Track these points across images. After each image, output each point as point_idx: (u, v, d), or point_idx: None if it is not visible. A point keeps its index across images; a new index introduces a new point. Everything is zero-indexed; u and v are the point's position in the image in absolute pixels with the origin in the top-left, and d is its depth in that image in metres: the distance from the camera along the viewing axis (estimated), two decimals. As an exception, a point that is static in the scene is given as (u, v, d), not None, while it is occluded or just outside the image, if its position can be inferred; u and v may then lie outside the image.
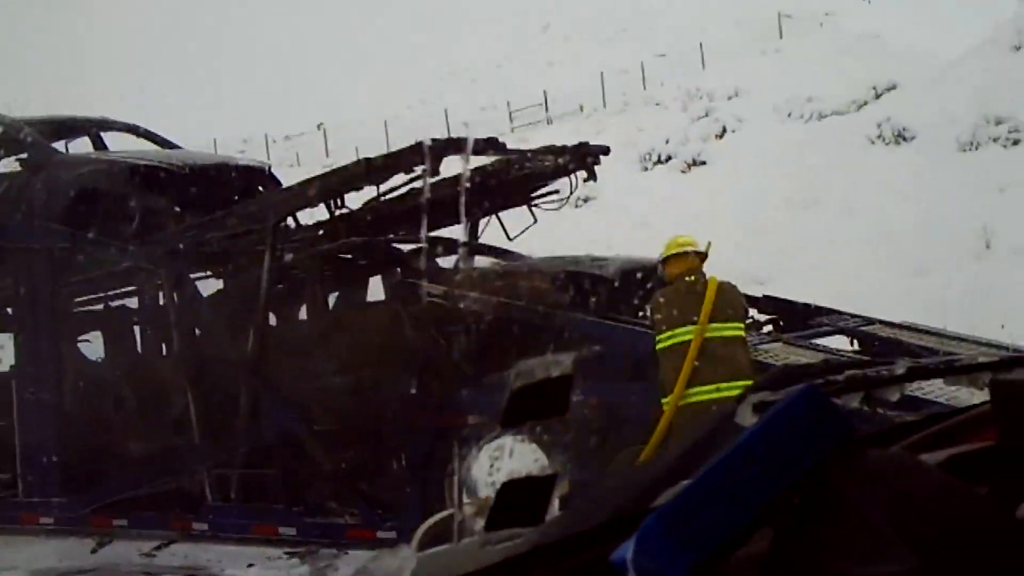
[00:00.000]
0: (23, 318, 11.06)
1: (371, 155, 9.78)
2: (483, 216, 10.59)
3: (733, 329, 7.27)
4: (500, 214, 10.72)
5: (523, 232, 10.57)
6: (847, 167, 20.68)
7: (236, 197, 10.94)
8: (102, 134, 12.77)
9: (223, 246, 10.01)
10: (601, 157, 10.16)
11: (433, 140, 9.12)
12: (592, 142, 10.49)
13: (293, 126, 50.46)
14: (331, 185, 9.41)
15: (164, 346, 11.07)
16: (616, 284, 8.78)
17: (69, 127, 12.49)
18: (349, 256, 9.93)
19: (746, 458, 1.02)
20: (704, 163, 24.25)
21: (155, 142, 12.53)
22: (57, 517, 10.62)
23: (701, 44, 40.94)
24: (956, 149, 18.76)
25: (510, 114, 43.79)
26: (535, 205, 10.59)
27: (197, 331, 10.33)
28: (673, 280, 7.51)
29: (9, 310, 12.21)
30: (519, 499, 1.36)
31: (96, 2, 63.61)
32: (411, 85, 52.18)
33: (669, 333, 7.29)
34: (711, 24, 49.52)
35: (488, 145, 9.55)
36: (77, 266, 10.88)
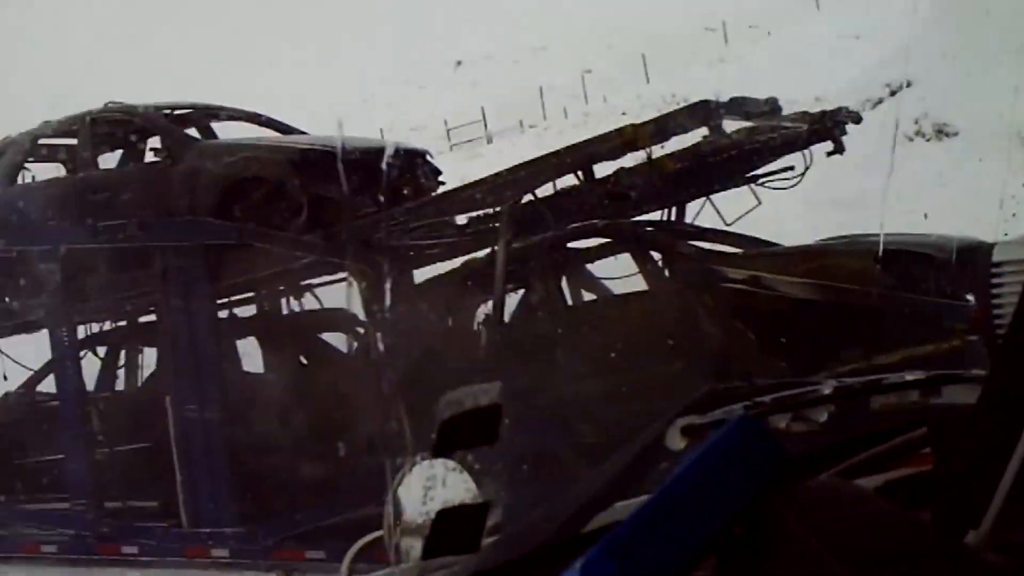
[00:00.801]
0: (178, 327, 9.69)
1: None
2: (695, 198, 9.64)
3: None
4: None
5: (744, 215, 9.64)
6: (887, 165, 20.19)
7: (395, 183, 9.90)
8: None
9: (440, 233, 8.94)
10: None
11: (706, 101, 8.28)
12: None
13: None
14: (589, 155, 8.40)
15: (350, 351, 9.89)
16: (949, 263, 7.82)
17: (178, 116, 11.15)
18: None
19: (687, 489, 1.02)
20: (719, 167, 23.63)
21: (279, 130, 11.29)
22: (233, 549, 9.32)
23: (644, 56, 40.59)
24: (1020, 144, 18.36)
25: (448, 132, 42.79)
26: (761, 184, 9.65)
27: (405, 331, 9.11)
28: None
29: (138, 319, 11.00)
30: (454, 526, 1.34)
31: None
32: (332, 108, 50.64)
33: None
34: (633, 38, 49.23)
35: (768, 106, 8.68)
36: (242, 265, 9.67)
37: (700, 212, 9.77)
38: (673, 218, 9.82)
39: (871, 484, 1.28)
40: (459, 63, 55.95)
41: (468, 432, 1.35)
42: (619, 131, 8.47)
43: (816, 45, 32.32)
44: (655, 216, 9.87)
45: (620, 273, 9.50)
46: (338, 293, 11.11)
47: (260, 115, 11.43)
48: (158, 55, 51.50)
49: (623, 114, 33.76)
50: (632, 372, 7.89)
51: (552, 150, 8.82)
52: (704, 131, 9.19)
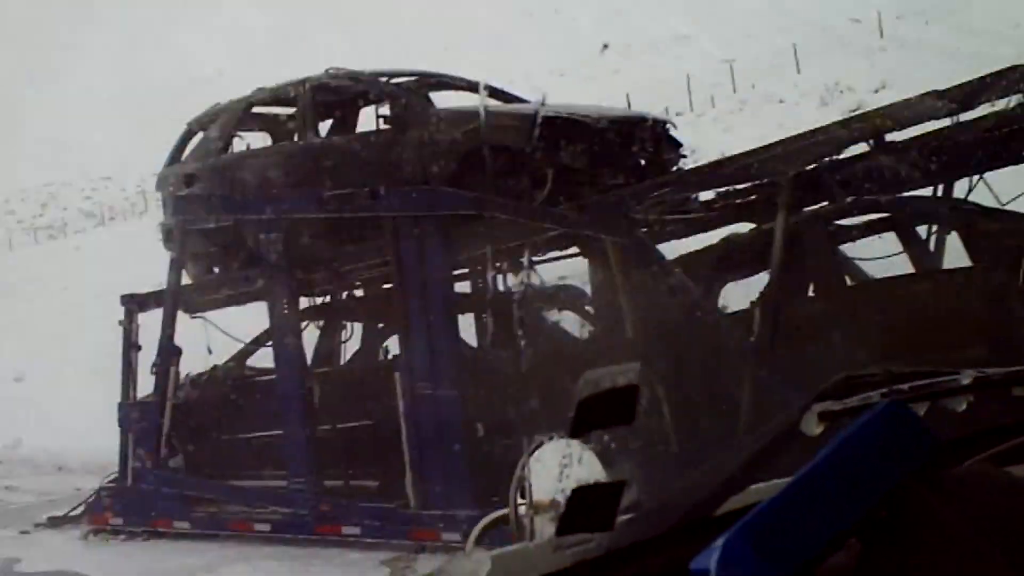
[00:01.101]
0: (411, 301, 9.26)
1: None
2: (978, 172, 8.88)
3: None
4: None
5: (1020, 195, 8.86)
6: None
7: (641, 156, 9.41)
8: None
9: (685, 207, 8.42)
10: None
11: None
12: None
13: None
14: (888, 122, 7.75)
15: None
16: None
17: (397, 84, 10.74)
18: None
19: (830, 473, 1.01)
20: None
21: (503, 100, 10.81)
22: (467, 533, 8.85)
23: (795, 45, 39.58)
24: None
25: (590, 120, 42.32)
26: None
27: (663, 311, 8.54)
28: None
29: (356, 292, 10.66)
30: (589, 504, 1.32)
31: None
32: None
33: None
34: (776, 28, 48.28)
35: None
36: (475, 238, 9.22)
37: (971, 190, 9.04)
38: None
39: (1020, 472, 1.27)
40: (605, 46, 55.29)
41: (605, 412, 1.32)
42: (920, 98, 7.79)
43: (985, 33, 31.06)
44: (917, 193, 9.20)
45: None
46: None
47: (478, 84, 10.96)
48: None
49: (780, 102, 32.97)
50: (925, 358, 7.23)
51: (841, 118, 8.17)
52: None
